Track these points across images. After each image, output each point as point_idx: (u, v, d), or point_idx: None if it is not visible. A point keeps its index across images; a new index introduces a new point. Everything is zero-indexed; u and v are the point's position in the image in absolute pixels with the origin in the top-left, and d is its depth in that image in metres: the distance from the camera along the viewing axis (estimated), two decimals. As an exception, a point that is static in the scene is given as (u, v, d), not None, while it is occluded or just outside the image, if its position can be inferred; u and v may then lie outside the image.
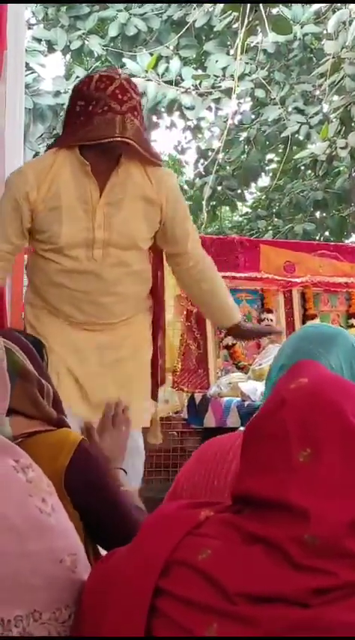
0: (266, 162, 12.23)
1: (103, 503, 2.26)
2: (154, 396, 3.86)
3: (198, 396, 5.46)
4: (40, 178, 3.53)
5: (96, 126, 3.43)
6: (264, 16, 7.63)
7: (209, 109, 10.51)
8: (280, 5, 8.52)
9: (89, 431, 2.63)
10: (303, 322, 5.88)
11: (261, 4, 7.00)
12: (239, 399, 5.17)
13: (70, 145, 3.55)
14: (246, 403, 5.05)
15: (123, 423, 2.74)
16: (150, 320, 3.81)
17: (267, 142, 11.15)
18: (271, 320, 5.79)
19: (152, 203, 3.63)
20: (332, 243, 7.00)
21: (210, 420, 5.33)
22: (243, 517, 1.39)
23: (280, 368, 2.08)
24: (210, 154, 10.78)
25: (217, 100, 9.76)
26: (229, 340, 5.64)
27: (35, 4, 9.67)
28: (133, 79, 8.80)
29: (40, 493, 1.52)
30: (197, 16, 9.02)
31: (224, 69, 9.40)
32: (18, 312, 4.83)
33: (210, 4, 8.91)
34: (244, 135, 11.01)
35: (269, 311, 5.81)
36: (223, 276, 5.58)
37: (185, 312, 5.58)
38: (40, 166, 3.58)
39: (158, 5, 9.49)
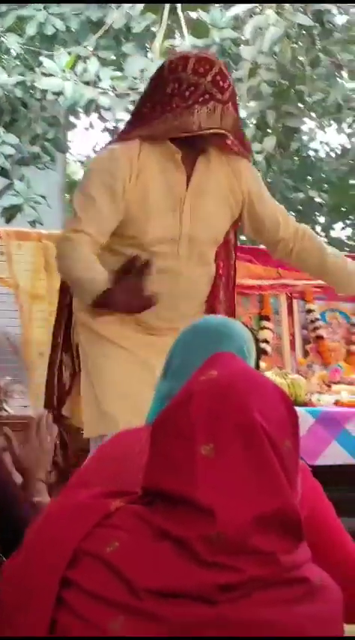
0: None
1: (3, 509, 2.23)
2: None
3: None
4: (132, 169, 3.30)
5: (198, 115, 3.21)
6: (182, 19, 7.68)
7: (127, 110, 10.51)
8: (199, 9, 8.56)
9: (9, 440, 2.60)
10: (216, 324, 5.91)
11: (179, 8, 7.04)
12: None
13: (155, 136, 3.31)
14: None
15: (48, 434, 2.71)
16: None
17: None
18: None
19: (234, 194, 3.48)
20: (246, 246, 7.04)
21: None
22: (153, 510, 1.40)
23: (172, 363, 2.11)
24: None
25: (135, 102, 9.75)
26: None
27: None
28: (51, 79, 8.76)
29: None
30: (115, 17, 9.01)
31: (142, 71, 9.40)
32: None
33: (128, 5, 8.90)
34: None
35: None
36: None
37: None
38: (131, 153, 3.32)
39: (77, 5, 9.45)
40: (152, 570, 1.32)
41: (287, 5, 8.04)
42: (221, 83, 3.25)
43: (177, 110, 3.25)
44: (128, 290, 3.23)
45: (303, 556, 1.40)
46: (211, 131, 3.27)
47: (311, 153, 12.26)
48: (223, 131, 3.29)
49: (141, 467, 1.97)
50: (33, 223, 8.77)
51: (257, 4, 8.24)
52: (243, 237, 11.84)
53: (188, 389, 1.44)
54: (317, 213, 12.81)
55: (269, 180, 10.55)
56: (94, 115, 10.61)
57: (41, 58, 9.32)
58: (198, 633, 1.27)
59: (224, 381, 1.45)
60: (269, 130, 8.91)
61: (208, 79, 3.24)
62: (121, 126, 11.86)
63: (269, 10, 7.93)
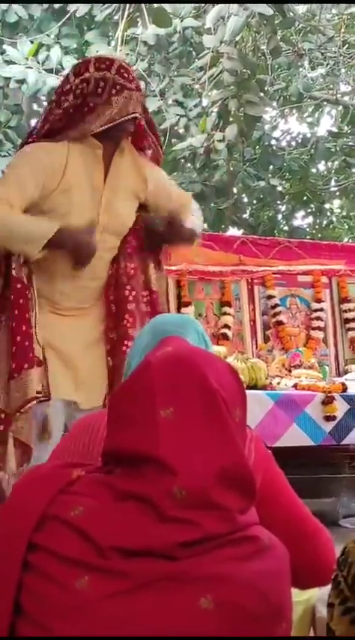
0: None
1: None
2: None
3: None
4: (61, 161, 3.50)
5: (117, 105, 3.43)
6: (144, 8, 7.71)
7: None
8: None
9: None
10: (178, 309, 5.98)
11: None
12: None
13: (80, 135, 3.50)
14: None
15: None
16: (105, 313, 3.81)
17: (147, 133, 11.20)
18: (147, 306, 5.87)
19: (139, 185, 3.71)
20: (208, 233, 7.11)
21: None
22: (113, 476, 1.46)
23: (141, 353, 2.18)
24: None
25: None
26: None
27: None
28: (13, 67, 8.72)
29: None
30: (78, 5, 9.01)
31: (104, 59, 9.42)
32: None
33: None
34: (124, 125, 11.05)
35: (145, 297, 5.89)
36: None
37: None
38: (58, 150, 3.52)
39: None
40: (116, 530, 1.38)
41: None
42: (125, 74, 3.47)
43: (96, 108, 3.45)
44: (83, 233, 3.50)
45: (253, 518, 1.47)
46: (132, 116, 3.47)
47: (273, 142, 12.32)
48: (139, 115, 3.52)
49: (101, 442, 2.05)
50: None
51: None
52: (205, 226, 11.91)
53: (145, 360, 1.51)
54: (278, 202, 12.89)
55: (231, 168, 10.61)
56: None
57: (4, 46, 9.32)
58: (161, 586, 1.34)
59: (179, 354, 1.53)
60: (231, 119, 8.96)
61: (113, 72, 3.45)
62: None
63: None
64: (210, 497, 1.40)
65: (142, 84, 9.80)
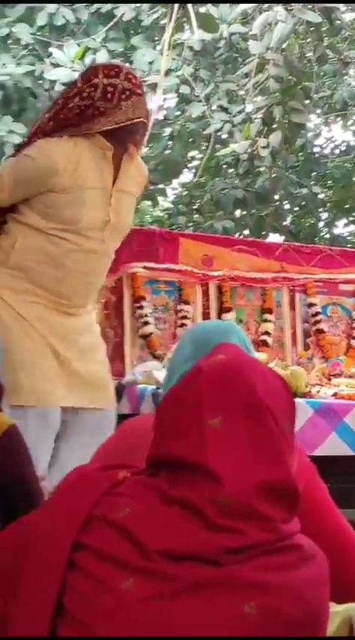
0: (188, 158, 12.31)
1: (22, 492, 2.29)
2: None
3: (113, 383, 5.51)
4: (66, 160, 3.64)
5: (125, 110, 3.59)
6: (192, 13, 7.72)
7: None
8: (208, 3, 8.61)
9: None
10: (219, 315, 5.97)
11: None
12: (154, 386, 5.23)
13: (88, 133, 3.66)
14: (161, 391, 5.12)
15: None
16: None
17: (190, 139, 11.22)
18: (188, 311, 5.88)
19: (137, 192, 3.97)
20: (250, 240, 7.10)
21: (124, 407, 5.37)
22: (159, 479, 1.46)
23: (184, 362, 2.18)
24: (133, 147, 10.78)
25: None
26: (146, 330, 5.71)
27: None
28: (60, 70, 8.80)
29: None
30: (125, 9, 9.04)
31: (150, 64, 9.44)
32: None
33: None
34: (168, 130, 11.07)
35: (187, 303, 5.88)
36: (143, 267, 5.71)
37: (104, 301, 5.63)
38: (65, 148, 3.67)
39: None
40: (162, 533, 1.38)
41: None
42: (133, 80, 3.69)
43: (106, 112, 3.62)
44: None
45: (296, 527, 1.47)
46: (138, 120, 3.66)
47: (316, 149, 12.29)
48: (147, 120, 3.78)
49: (146, 445, 2.05)
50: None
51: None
52: (246, 232, 11.91)
53: (197, 368, 1.51)
54: (320, 210, 12.84)
55: (273, 175, 10.59)
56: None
57: (51, 49, 9.37)
58: (206, 591, 1.35)
59: (231, 363, 1.53)
60: (275, 126, 8.94)
61: (121, 78, 3.63)
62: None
63: (278, 7, 7.97)
64: (254, 507, 1.40)
65: (187, 89, 9.83)
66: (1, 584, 1.51)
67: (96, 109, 3.60)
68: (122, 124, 3.61)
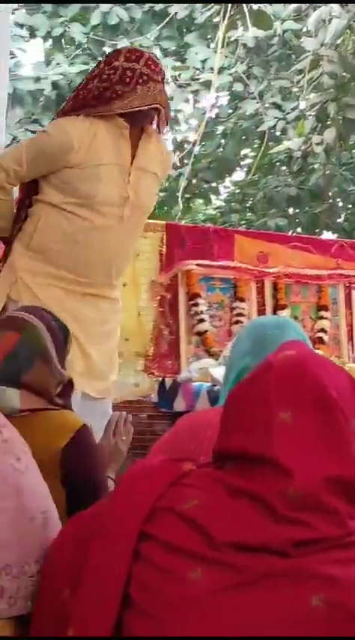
0: (241, 156, 12.30)
1: (90, 491, 2.29)
2: None
3: (168, 381, 5.52)
4: (82, 137, 3.67)
5: (140, 94, 3.61)
6: (246, 10, 7.71)
7: (186, 101, 10.56)
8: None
9: None
10: (274, 312, 5.95)
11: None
12: (209, 383, 5.23)
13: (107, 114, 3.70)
14: (216, 388, 5.11)
15: (125, 434, 2.79)
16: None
17: (244, 136, 11.21)
18: (243, 308, 5.87)
19: (162, 171, 3.95)
20: (305, 236, 7.07)
21: (180, 404, 5.39)
22: (225, 472, 1.46)
23: (242, 357, 2.17)
24: (186, 146, 10.83)
25: (196, 92, 9.82)
26: (201, 327, 5.71)
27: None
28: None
29: (14, 452, 1.56)
30: (179, 8, 9.06)
31: (203, 61, 9.46)
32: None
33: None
34: (221, 128, 11.07)
35: (242, 300, 5.88)
36: (197, 264, 5.71)
37: (158, 298, 5.65)
38: (81, 126, 3.70)
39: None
40: (231, 525, 1.37)
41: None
42: (153, 66, 3.67)
43: (123, 95, 3.65)
44: None
45: None
46: (152, 106, 3.66)
47: (370, 146, 12.24)
48: (161, 106, 3.69)
49: (207, 439, 2.04)
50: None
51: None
52: (299, 229, 11.86)
53: (267, 362, 1.51)
54: (374, 207, 12.78)
55: (327, 172, 10.54)
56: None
57: (104, 48, 9.41)
58: (274, 582, 1.34)
59: (301, 359, 1.52)
60: (329, 122, 8.91)
61: (141, 63, 3.64)
62: (180, 116, 11.95)
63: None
64: (322, 500, 1.39)
65: (240, 86, 9.83)
66: (64, 575, 1.51)
67: (114, 91, 3.64)
68: (136, 108, 3.64)
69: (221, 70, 9.23)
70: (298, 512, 1.37)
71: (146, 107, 3.64)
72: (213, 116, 10.71)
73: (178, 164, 10.92)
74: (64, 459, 2.28)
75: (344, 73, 8.61)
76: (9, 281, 3.77)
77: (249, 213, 12.24)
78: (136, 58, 3.64)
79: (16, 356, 2.40)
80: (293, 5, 9.10)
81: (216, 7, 8.55)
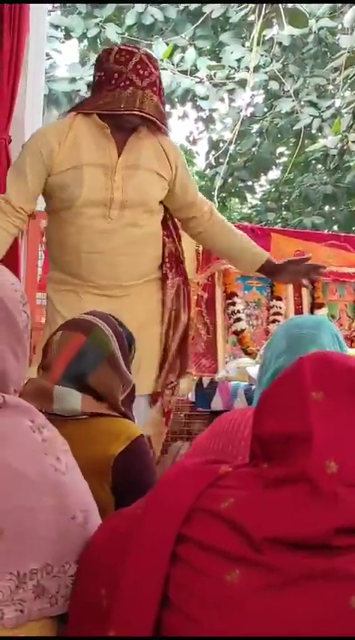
0: (277, 154, 12.27)
1: (135, 500, 2.30)
2: (184, 370, 3.95)
3: (206, 380, 5.51)
4: (60, 137, 3.63)
5: (118, 99, 3.56)
6: (281, 8, 7.69)
7: (222, 99, 10.55)
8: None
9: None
10: (311, 311, 5.94)
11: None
12: (246, 383, 5.22)
13: (87, 112, 3.66)
14: (254, 387, 5.10)
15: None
16: (161, 293, 3.87)
17: (279, 135, 11.19)
18: (280, 307, 5.86)
19: (164, 168, 3.78)
20: (342, 234, 7.04)
21: (217, 404, 5.38)
22: (262, 469, 1.46)
23: (277, 357, 2.17)
24: (221, 145, 10.83)
25: (231, 91, 9.82)
26: (238, 326, 5.71)
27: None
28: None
29: (54, 452, 1.57)
30: (213, 7, 9.05)
31: (239, 60, 9.45)
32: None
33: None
34: (256, 127, 11.06)
35: (279, 298, 5.88)
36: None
37: (195, 298, 5.64)
38: (59, 127, 3.68)
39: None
40: (269, 519, 1.37)
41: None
42: (141, 71, 3.57)
43: (104, 93, 3.60)
44: None
45: None
46: (129, 112, 3.58)
47: None
48: (144, 114, 3.59)
49: (244, 439, 2.04)
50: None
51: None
52: (335, 227, 11.82)
53: (299, 359, 1.51)
54: None
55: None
56: (189, 104, 10.68)
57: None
58: (313, 583, 1.34)
59: (332, 354, 1.53)
60: (365, 120, 8.88)
61: (129, 67, 3.56)
62: (215, 115, 11.96)
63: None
64: None
65: (276, 85, 9.81)
66: (102, 574, 1.52)
67: (99, 90, 3.62)
68: (114, 112, 3.57)
69: (256, 68, 9.21)
70: (337, 486, 1.36)
71: (126, 112, 3.57)
72: (249, 115, 10.70)
73: (214, 163, 10.93)
74: (117, 466, 2.28)
75: (380, 70, 8.58)
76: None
77: (285, 212, 12.22)
78: (126, 60, 3.58)
79: (82, 357, 2.41)
80: (329, 3, 9.07)
81: (251, 5, 8.54)
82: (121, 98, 3.56)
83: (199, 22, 9.32)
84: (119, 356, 2.45)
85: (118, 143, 3.68)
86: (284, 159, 12.36)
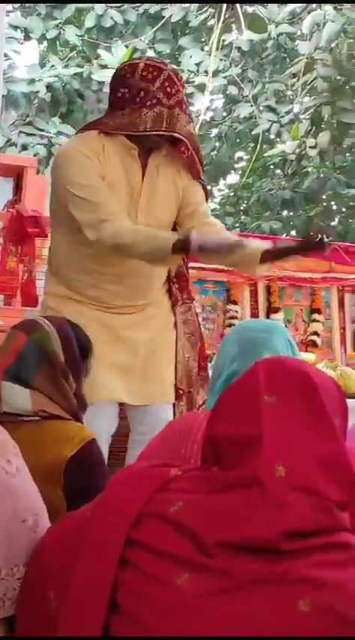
0: (235, 159, 12.30)
1: (87, 502, 2.29)
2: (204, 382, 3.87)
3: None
4: (97, 155, 3.46)
5: (145, 119, 3.41)
6: (240, 13, 7.71)
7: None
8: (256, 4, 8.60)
9: None
10: (268, 315, 5.96)
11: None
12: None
13: (112, 132, 3.48)
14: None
15: None
16: (170, 303, 3.76)
17: (238, 140, 11.21)
18: (236, 312, 5.88)
19: (177, 189, 3.64)
20: (298, 239, 7.07)
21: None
22: (212, 472, 1.45)
23: (231, 362, 2.17)
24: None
25: (190, 95, 9.82)
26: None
27: (13, -8, 9.69)
28: (107, 71, 8.80)
29: (5, 454, 1.55)
30: (173, 11, 9.06)
31: (198, 64, 9.46)
32: None
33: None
34: (215, 131, 11.08)
35: (235, 303, 5.89)
36: (190, 267, 5.69)
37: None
38: (91, 144, 3.48)
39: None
40: (217, 522, 1.36)
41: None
42: (168, 89, 3.42)
43: (129, 111, 3.42)
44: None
45: (346, 522, 1.46)
46: (156, 132, 3.42)
47: (365, 149, 12.27)
48: (168, 133, 3.42)
49: (197, 443, 2.04)
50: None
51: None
52: (293, 232, 11.87)
53: (255, 364, 1.51)
54: (368, 210, 12.82)
55: (321, 175, 10.55)
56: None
57: (98, 51, 9.40)
58: (262, 587, 1.33)
59: (286, 359, 1.53)
60: (323, 126, 8.93)
61: (156, 85, 3.40)
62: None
63: (328, 6, 7.95)
64: (310, 480, 1.38)
65: (235, 89, 9.83)
66: (51, 578, 1.51)
67: (121, 107, 3.43)
68: (138, 133, 3.41)
69: (215, 73, 9.23)
70: (289, 491, 1.36)
71: (150, 133, 3.40)
72: (208, 119, 10.71)
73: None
74: (69, 469, 2.27)
75: (339, 77, 8.64)
76: (44, 306, 3.70)
77: (244, 216, 12.25)
78: (153, 78, 3.42)
79: (24, 356, 2.41)
80: (288, 8, 9.10)
81: (211, 10, 8.56)
82: (149, 118, 3.41)
83: (159, 25, 9.32)
84: (61, 359, 2.44)
85: (141, 163, 3.53)
86: (242, 163, 12.40)
